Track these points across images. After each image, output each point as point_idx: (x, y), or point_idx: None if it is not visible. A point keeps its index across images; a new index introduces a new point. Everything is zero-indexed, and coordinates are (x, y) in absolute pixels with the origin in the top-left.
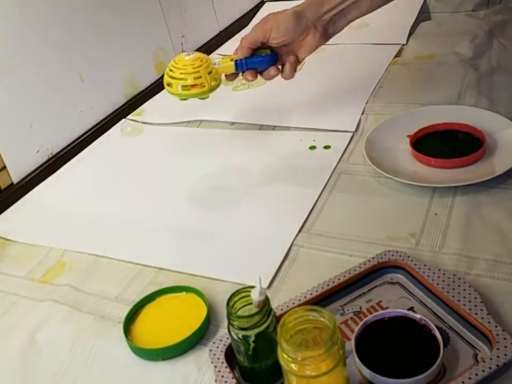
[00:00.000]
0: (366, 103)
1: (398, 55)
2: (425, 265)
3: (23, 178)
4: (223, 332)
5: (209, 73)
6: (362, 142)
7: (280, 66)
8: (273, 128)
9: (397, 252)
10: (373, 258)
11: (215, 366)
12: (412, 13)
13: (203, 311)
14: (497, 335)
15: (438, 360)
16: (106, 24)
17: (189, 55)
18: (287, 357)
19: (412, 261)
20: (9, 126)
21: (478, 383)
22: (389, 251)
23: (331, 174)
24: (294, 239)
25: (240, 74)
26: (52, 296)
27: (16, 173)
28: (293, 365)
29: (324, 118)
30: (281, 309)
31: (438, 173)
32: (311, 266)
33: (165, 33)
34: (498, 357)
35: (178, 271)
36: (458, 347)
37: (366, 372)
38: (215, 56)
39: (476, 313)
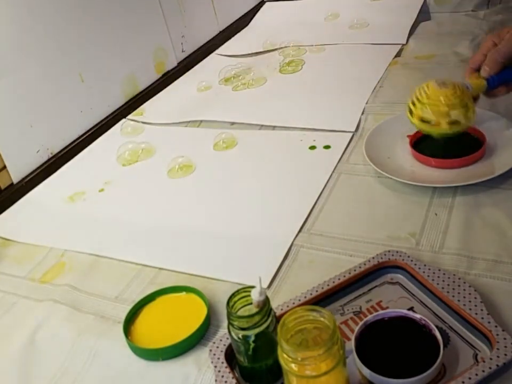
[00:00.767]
0: (366, 103)
1: (398, 55)
2: (425, 265)
3: (23, 178)
4: (223, 331)
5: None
6: (362, 142)
7: None
8: (273, 128)
9: (397, 251)
10: (373, 258)
11: (215, 366)
12: (412, 13)
13: (203, 311)
14: (497, 335)
15: (438, 360)
16: (106, 24)
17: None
18: (287, 357)
19: (412, 261)
20: (9, 126)
21: (478, 383)
22: (389, 251)
23: (331, 174)
24: (294, 239)
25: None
26: (51, 296)
27: (16, 173)
28: (293, 365)
29: (324, 118)
30: (281, 309)
31: (438, 173)
32: (311, 266)
33: (165, 33)
34: (498, 357)
35: (178, 271)
36: (458, 347)
37: (366, 372)
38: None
39: (476, 313)
